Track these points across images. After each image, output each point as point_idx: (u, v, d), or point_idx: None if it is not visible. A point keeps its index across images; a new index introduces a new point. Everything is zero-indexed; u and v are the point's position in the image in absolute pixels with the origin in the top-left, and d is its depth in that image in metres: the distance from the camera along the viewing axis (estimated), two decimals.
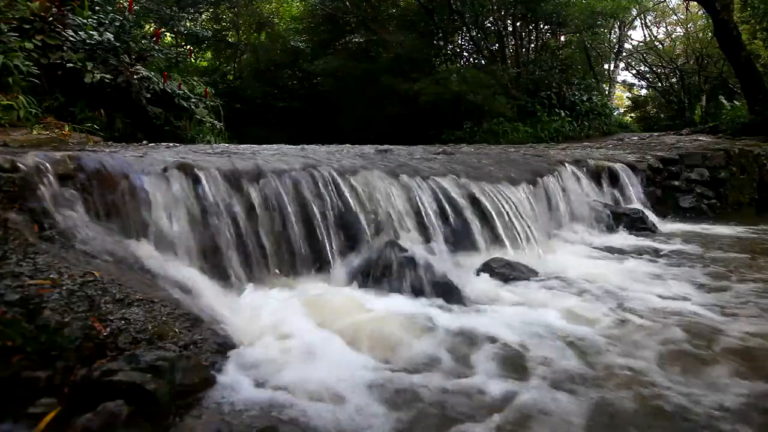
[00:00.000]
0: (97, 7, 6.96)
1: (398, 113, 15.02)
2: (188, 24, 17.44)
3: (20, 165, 1.94)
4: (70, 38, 5.69)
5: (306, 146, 5.91)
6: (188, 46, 15.23)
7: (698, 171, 5.33)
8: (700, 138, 8.69)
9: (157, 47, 7.43)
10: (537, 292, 2.44)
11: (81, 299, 1.52)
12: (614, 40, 21.10)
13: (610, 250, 3.42)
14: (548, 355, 1.73)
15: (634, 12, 20.31)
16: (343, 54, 17.50)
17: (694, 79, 19.40)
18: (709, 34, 15.50)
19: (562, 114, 13.80)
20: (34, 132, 4.14)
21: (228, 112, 10.86)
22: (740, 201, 5.53)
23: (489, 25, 16.39)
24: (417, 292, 2.31)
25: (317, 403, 1.39)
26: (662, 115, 21.80)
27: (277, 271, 2.46)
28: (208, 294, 1.99)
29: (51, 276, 1.57)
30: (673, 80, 21.58)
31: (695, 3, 14.40)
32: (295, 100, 17.98)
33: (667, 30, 22.92)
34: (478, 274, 2.70)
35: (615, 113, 18.86)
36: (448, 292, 2.29)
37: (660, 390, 1.49)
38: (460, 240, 3.05)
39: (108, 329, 1.46)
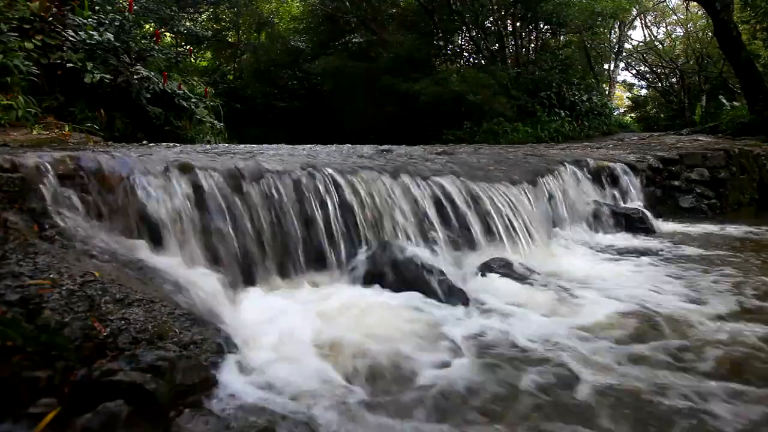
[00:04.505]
0: (97, 7, 6.97)
1: (398, 113, 15.03)
2: (188, 24, 17.44)
3: (20, 165, 1.94)
4: (70, 38, 5.69)
5: (306, 146, 5.91)
6: (188, 46, 15.24)
7: (698, 171, 5.33)
8: (700, 138, 8.69)
9: (157, 47, 7.44)
10: (536, 292, 2.44)
11: (81, 299, 1.52)
12: (614, 40, 21.13)
13: (610, 250, 3.42)
14: (540, 352, 1.74)
15: (634, 12, 20.32)
16: (343, 54, 17.51)
17: (694, 79, 19.42)
18: (709, 34, 15.52)
19: (562, 114, 13.80)
20: (34, 132, 4.14)
21: (228, 112, 10.87)
22: (740, 201, 5.53)
23: (489, 25, 16.41)
24: (416, 291, 2.31)
25: (317, 404, 1.39)
26: (662, 115, 21.83)
27: (278, 271, 2.46)
28: (209, 294, 1.99)
29: (51, 276, 1.56)
30: (673, 80, 21.61)
31: (695, 3, 14.41)
32: (295, 100, 17.99)
33: (667, 30, 22.96)
34: (477, 274, 2.70)
35: (615, 113, 18.87)
36: (448, 292, 2.29)
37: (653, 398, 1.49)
38: (459, 240, 3.05)
39: (108, 329, 1.46)
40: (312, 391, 1.46)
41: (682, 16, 21.12)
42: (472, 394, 1.47)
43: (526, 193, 3.70)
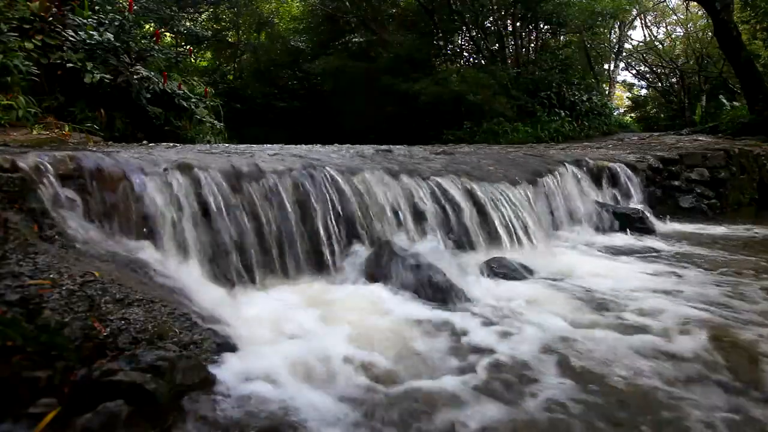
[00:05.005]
0: (97, 7, 6.96)
1: (398, 113, 15.03)
2: (188, 24, 17.44)
3: (20, 165, 1.94)
4: (70, 38, 5.69)
5: (306, 146, 5.91)
6: (188, 46, 15.24)
7: (698, 171, 5.33)
8: (700, 138, 8.69)
9: (157, 47, 7.43)
10: (536, 292, 2.44)
11: (81, 299, 1.52)
12: (614, 40, 21.12)
13: (610, 250, 3.42)
14: (540, 355, 1.73)
15: (634, 12, 20.32)
16: (343, 54, 17.50)
17: (694, 79, 19.41)
18: (709, 34, 15.52)
19: (562, 114, 13.80)
20: (35, 132, 4.14)
21: (228, 112, 10.87)
22: (740, 201, 5.53)
23: (489, 25, 16.40)
24: (417, 291, 2.31)
25: (317, 404, 1.39)
26: (662, 115, 21.82)
27: (278, 270, 2.46)
28: (209, 294, 1.99)
29: (51, 276, 1.56)
30: (673, 80, 21.60)
31: (695, 3, 14.40)
32: (295, 100, 17.99)
33: (667, 30, 22.94)
34: (477, 274, 2.70)
35: (615, 113, 18.86)
36: (448, 292, 2.29)
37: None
38: (459, 240, 3.05)
39: (108, 329, 1.46)
40: (311, 390, 1.46)
41: (682, 16, 21.12)
42: (471, 405, 1.46)
43: (526, 193, 3.70)
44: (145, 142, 5.51)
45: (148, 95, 6.49)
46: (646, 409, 1.39)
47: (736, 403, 1.42)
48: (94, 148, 3.41)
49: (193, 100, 7.35)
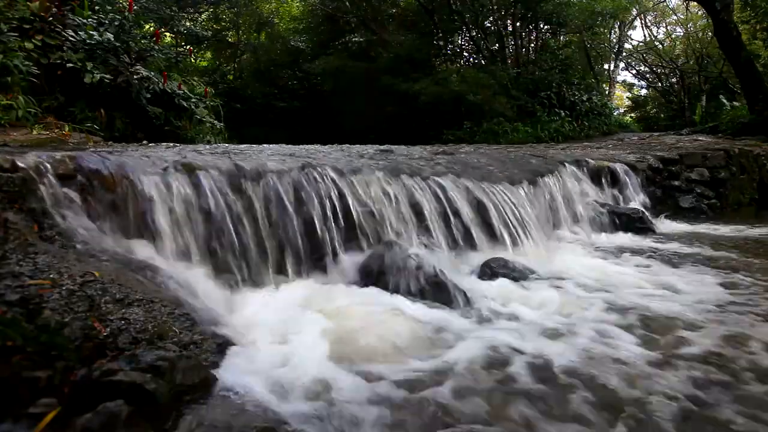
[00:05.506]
0: (97, 7, 6.96)
1: (398, 113, 15.03)
2: (188, 24, 17.44)
3: (20, 165, 1.94)
4: (70, 38, 5.69)
5: (306, 146, 5.91)
6: (188, 46, 15.24)
7: (698, 171, 5.34)
8: (700, 138, 8.69)
9: (157, 47, 7.43)
10: (536, 292, 2.44)
11: (81, 299, 1.52)
12: (614, 40, 21.14)
13: (610, 250, 3.42)
14: (544, 357, 1.73)
15: (634, 12, 20.34)
16: (343, 54, 17.52)
17: (694, 79, 19.42)
18: (709, 34, 15.53)
19: (562, 114, 13.80)
20: (35, 132, 4.14)
21: (228, 112, 10.87)
22: (740, 201, 5.53)
23: (489, 25, 16.41)
24: (416, 292, 2.31)
25: (316, 404, 1.39)
26: (662, 115, 21.84)
27: (278, 271, 2.46)
28: (209, 294, 1.99)
29: (51, 276, 1.56)
30: (673, 80, 21.62)
31: (695, 3, 14.41)
32: (295, 100, 18.01)
33: (667, 30, 22.96)
34: (477, 274, 2.70)
35: (615, 113, 18.87)
36: (447, 292, 2.29)
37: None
38: (459, 240, 3.05)
39: (108, 329, 1.46)
40: (311, 392, 1.46)
41: (682, 16, 21.14)
42: (465, 403, 1.45)
43: (526, 193, 3.70)
44: (145, 142, 5.50)
45: (148, 95, 6.49)
46: None
47: None
48: (94, 148, 3.41)
49: (193, 100, 7.34)
